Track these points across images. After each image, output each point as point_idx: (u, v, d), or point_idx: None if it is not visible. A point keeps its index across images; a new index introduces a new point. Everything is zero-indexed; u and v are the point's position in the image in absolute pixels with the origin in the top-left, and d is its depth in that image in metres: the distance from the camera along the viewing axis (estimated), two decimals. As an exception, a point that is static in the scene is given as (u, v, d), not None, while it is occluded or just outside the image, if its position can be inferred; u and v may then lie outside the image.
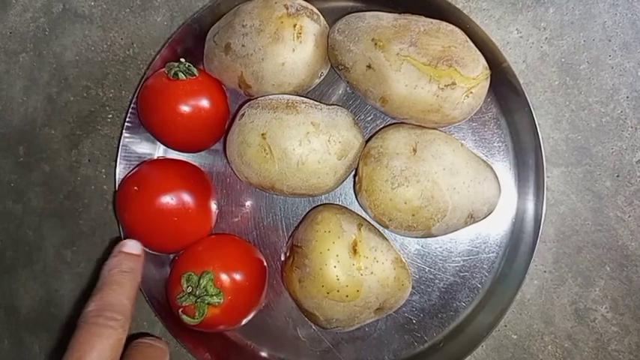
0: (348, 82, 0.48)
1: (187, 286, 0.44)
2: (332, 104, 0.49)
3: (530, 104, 0.47)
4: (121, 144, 0.51)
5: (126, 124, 0.51)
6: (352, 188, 0.50)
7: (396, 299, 0.46)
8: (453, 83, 0.42)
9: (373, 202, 0.44)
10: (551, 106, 0.52)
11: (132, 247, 0.44)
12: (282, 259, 0.51)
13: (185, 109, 0.47)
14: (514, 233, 0.50)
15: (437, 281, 0.51)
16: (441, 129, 0.47)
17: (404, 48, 0.43)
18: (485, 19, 0.52)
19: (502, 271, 0.50)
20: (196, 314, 0.44)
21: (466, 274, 0.51)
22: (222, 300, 0.44)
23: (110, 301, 0.38)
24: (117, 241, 0.47)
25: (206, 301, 0.44)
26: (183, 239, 0.48)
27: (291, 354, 0.52)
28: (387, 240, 0.47)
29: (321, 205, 0.50)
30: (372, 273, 0.44)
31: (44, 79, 0.57)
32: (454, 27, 0.45)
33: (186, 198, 0.47)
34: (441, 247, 0.51)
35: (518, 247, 0.50)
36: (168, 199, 0.46)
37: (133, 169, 0.50)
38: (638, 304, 0.51)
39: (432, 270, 0.51)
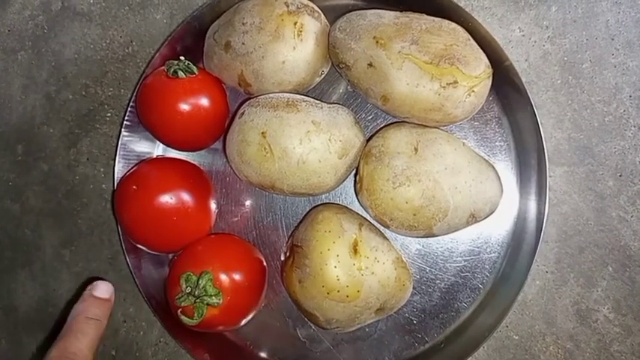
0: (349, 81, 0.47)
1: (186, 287, 0.44)
2: (333, 103, 0.49)
3: (533, 103, 0.46)
4: (119, 143, 0.51)
5: (125, 122, 0.51)
6: (353, 187, 0.49)
7: (396, 300, 0.46)
8: (455, 82, 0.42)
9: (374, 201, 0.44)
10: (554, 105, 0.51)
11: (102, 290, 0.44)
12: (282, 259, 0.51)
13: (184, 107, 0.46)
14: (516, 233, 0.50)
15: (438, 281, 0.51)
16: (442, 128, 0.47)
17: (405, 46, 0.42)
18: (488, 17, 0.52)
19: (504, 271, 0.50)
20: (195, 315, 0.43)
21: (467, 274, 0.50)
22: (221, 300, 0.44)
23: (72, 349, 0.39)
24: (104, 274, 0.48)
25: (205, 302, 0.44)
26: (183, 239, 0.48)
27: (290, 354, 0.52)
28: (387, 240, 0.47)
29: (321, 204, 0.50)
30: (372, 273, 0.43)
31: (43, 78, 0.56)
32: (456, 25, 0.44)
33: (186, 197, 0.47)
34: (442, 247, 0.51)
35: (520, 248, 0.49)
36: (167, 199, 0.46)
37: (132, 168, 0.50)
38: (640, 305, 0.51)
39: (433, 270, 0.51)
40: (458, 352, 0.49)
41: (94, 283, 0.44)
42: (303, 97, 0.46)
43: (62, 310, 0.56)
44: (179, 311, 0.44)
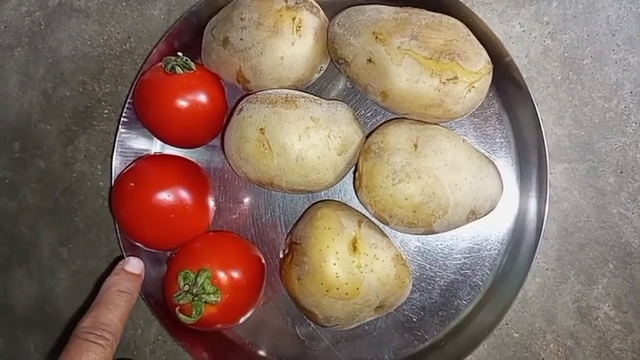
0: (348, 77, 0.47)
1: (184, 285, 0.43)
2: (332, 99, 0.48)
3: (533, 99, 0.46)
4: (117, 139, 0.50)
5: (122, 119, 0.50)
6: (352, 184, 0.49)
7: (396, 297, 0.46)
8: (455, 77, 0.41)
9: (373, 198, 0.43)
10: (554, 102, 0.51)
11: (133, 266, 0.46)
12: (281, 256, 0.50)
13: (182, 104, 0.46)
14: (516, 230, 0.50)
15: (438, 279, 0.50)
16: (442, 124, 0.46)
17: (405, 41, 0.42)
18: (488, 12, 0.51)
19: (504, 268, 0.50)
20: (193, 313, 0.43)
21: (467, 271, 0.50)
22: (219, 298, 0.44)
23: (103, 320, 0.40)
24: (120, 258, 0.48)
25: (203, 300, 0.43)
26: (180, 236, 0.48)
27: (289, 352, 0.51)
28: (387, 237, 0.46)
29: (320, 201, 0.50)
30: (372, 270, 0.43)
31: (40, 74, 0.56)
32: (456, 20, 0.44)
33: (184, 194, 0.46)
34: (442, 245, 0.50)
35: (520, 245, 0.49)
36: (164, 196, 0.46)
37: (130, 165, 0.50)
38: (641, 303, 0.50)
39: (432, 267, 0.50)
40: (458, 350, 0.48)
41: (126, 258, 0.46)
42: (301, 93, 0.46)
43: (59, 309, 0.56)
44: (177, 309, 0.44)
